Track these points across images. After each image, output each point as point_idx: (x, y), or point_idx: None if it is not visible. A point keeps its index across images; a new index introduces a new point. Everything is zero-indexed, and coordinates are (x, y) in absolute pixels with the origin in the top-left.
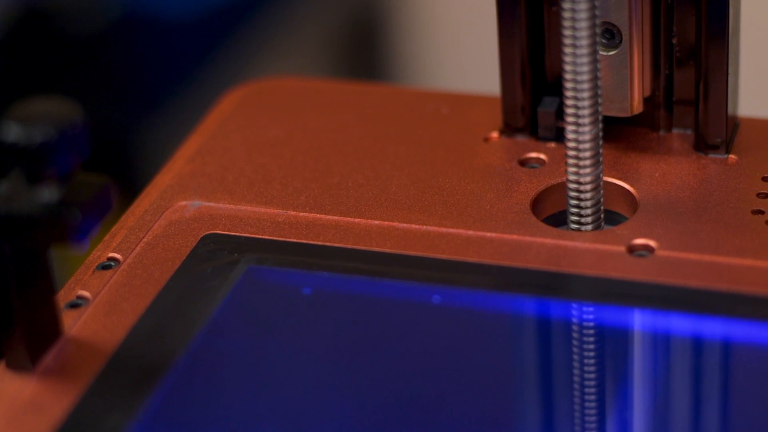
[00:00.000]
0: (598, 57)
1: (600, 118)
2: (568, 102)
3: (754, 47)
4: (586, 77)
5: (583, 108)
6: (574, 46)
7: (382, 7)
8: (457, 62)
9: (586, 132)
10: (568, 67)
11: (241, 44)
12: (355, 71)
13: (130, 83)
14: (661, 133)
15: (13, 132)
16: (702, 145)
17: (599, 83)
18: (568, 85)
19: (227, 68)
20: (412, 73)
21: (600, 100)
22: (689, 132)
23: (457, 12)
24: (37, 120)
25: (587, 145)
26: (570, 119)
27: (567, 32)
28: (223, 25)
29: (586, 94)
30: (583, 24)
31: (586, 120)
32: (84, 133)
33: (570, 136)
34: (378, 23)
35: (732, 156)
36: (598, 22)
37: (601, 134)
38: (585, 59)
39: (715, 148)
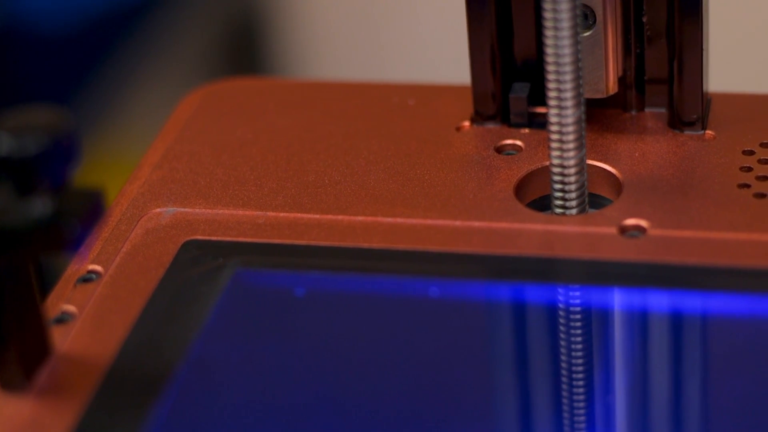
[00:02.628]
0: (579, 38)
1: (582, 100)
2: (551, 85)
3: (720, 21)
4: (568, 59)
5: (566, 90)
6: (556, 28)
7: (260, 11)
8: (337, 59)
9: (570, 115)
10: (549, 50)
11: (122, 57)
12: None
13: (5, 100)
14: (633, 113)
15: (5, 144)
16: (677, 122)
17: (581, 65)
18: (550, 68)
19: (110, 81)
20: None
21: (582, 82)
22: (661, 111)
23: (333, 10)
24: (29, 130)
25: (570, 128)
26: (552, 102)
27: (548, 15)
28: (103, 37)
29: (568, 77)
30: (564, 6)
31: (569, 103)
32: (76, 142)
33: (553, 119)
34: (257, 26)
35: (709, 132)
36: (578, 3)
37: (584, 116)
38: (567, 41)
39: (690, 124)
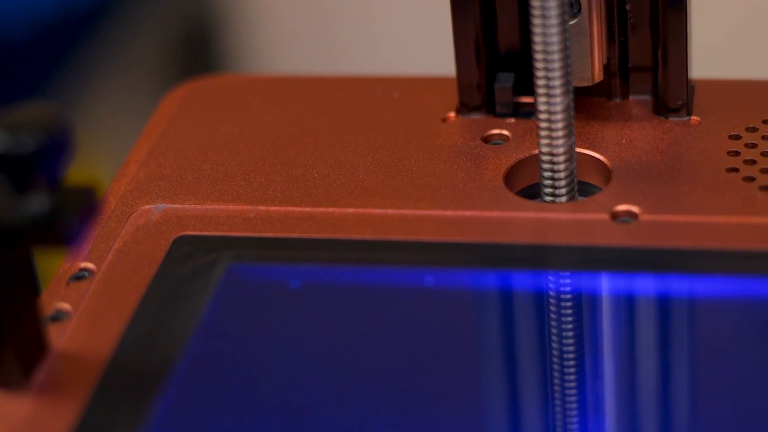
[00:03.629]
0: (567, 26)
1: (571, 88)
2: (539, 73)
3: (699, 8)
4: (556, 47)
5: (554, 78)
6: (544, 16)
7: (216, 12)
8: (295, 58)
9: (558, 103)
10: (537, 38)
11: (77, 62)
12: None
13: None
14: (617, 100)
15: (2, 140)
16: (662, 109)
17: (569, 53)
18: (539, 56)
19: (65, 87)
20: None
21: (570, 70)
22: (645, 98)
23: (289, 9)
24: (25, 127)
25: (559, 116)
26: (541, 90)
27: (536, 2)
28: (57, 43)
29: (557, 65)
30: None
31: (558, 90)
32: (72, 138)
33: (542, 107)
34: (213, 27)
35: (694, 117)
36: None
37: (572, 104)
38: (555, 29)
39: (676, 111)
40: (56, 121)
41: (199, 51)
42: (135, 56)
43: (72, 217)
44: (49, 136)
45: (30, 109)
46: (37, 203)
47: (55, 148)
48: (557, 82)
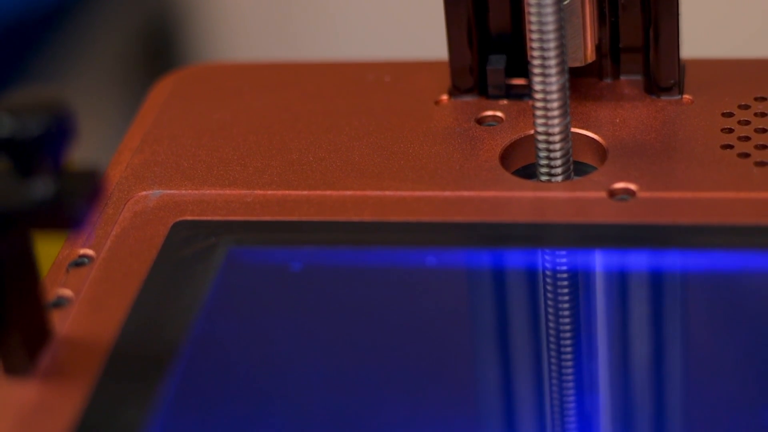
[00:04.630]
0: (562, 6)
1: (566, 67)
2: (534, 53)
3: None
4: (551, 26)
5: (550, 58)
6: None
7: (176, 9)
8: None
9: (554, 82)
10: (533, 18)
11: (37, 63)
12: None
13: None
14: (609, 81)
15: (7, 125)
16: (655, 88)
17: (564, 32)
18: (534, 35)
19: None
20: None
21: (565, 49)
22: (636, 78)
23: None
24: (29, 111)
25: (555, 96)
26: (537, 70)
27: None
28: (17, 44)
29: (552, 44)
30: None
31: (553, 70)
32: (75, 122)
33: (537, 87)
34: (174, 25)
35: (686, 96)
36: None
37: (567, 84)
38: (550, 9)
39: (668, 90)
40: (60, 105)
41: (161, 48)
42: (97, 56)
43: (77, 200)
44: (53, 120)
45: (33, 93)
46: (41, 187)
47: (59, 132)
48: (552, 62)
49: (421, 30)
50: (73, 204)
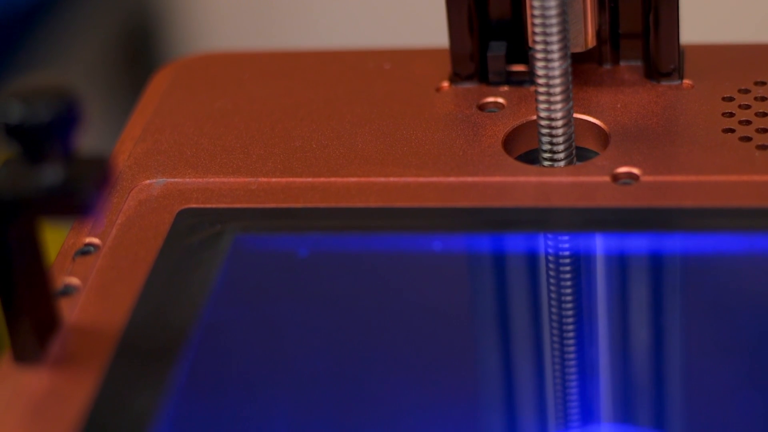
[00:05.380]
0: None
1: (568, 52)
2: (537, 38)
3: None
4: (554, 11)
5: (553, 43)
6: None
7: (155, 7)
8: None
9: (556, 67)
10: (536, 3)
11: (16, 62)
12: (140, 75)
13: None
14: (608, 66)
15: (17, 111)
16: (655, 73)
17: (567, 17)
18: (537, 20)
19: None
20: None
21: (568, 35)
22: (635, 63)
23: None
24: (39, 98)
25: (557, 81)
26: (539, 55)
27: None
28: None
29: (555, 29)
30: None
31: (556, 55)
32: (84, 109)
33: (540, 72)
34: (153, 23)
35: (686, 81)
36: None
37: (570, 69)
38: None
39: (668, 75)
40: (69, 92)
41: (142, 45)
42: (76, 54)
43: (86, 186)
44: (62, 106)
45: (43, 81)
46: (51, 174)
47: (68, 118)
48: (555, 47)
49: (416, 18)
50: (83, 190)
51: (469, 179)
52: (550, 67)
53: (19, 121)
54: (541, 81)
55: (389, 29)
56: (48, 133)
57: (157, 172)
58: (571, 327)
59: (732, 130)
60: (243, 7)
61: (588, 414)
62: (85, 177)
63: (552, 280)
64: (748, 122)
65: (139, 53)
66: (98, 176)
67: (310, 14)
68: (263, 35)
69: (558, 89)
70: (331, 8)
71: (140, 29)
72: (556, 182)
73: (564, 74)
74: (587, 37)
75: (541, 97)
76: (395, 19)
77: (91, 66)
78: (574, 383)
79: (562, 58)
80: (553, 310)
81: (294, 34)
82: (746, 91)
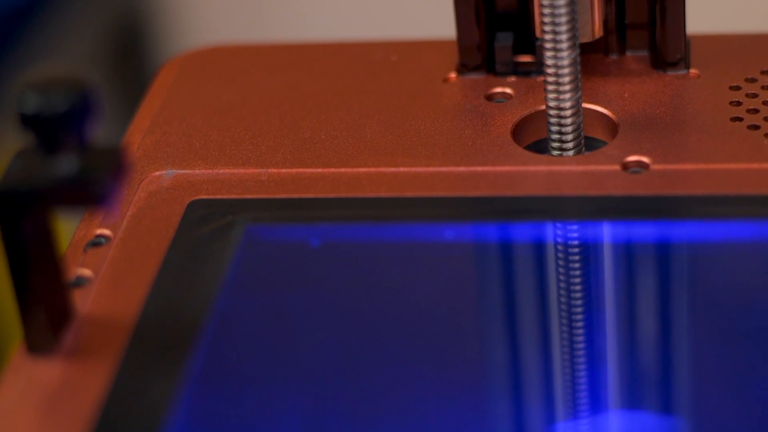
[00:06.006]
0: None
1: (577, 42)
2: (546, 28)
3: None
4: (563, 1)
5: (561, 33)
6: None
7: (145, 6)
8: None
9: (565, 57)
10: None
11: (5, 62)
12: (130, 73)
13: None
14: (614, 56)
15: (33, 102)
16: (661, 63)
17: (576, 7)
18: (546, 10)
19: None
20: None
21: (576, 24)
22: (641, 53)
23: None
24: (55, 88)
25: (566, 70)
26: (548, 45)
27: None
28: None
29: (563, 18)
30: None
31: (565, 45)
32: (101, 99)
33: (549, 62)
34: (143, 22)
35: (693, 70)
36: None
37: (578, 58)
38: None
39: (674, 64)
40: (85, 83)
41: (131, 44)
42: (65, 53)
43: (102, 176)
44: (78, 97)
45: (58, 71)
46: (66, 164)
47: (84, 109)
48: (564, 36)
49: (418, 10)
50: (98, 180)
51: (479, 169)
52: (559, 56)
53: (35, 112)
54: (550, 71)
55: (393, 22)
56: (63, 124)
57: (166, 164)
58: (582, 315)
59: (740, 119)
60: (234, 4)
61: (602, 403)
62: (101, 167)
63: (564, 269)
64: (755, 111)
65: (130, 51)
66: (113, 166)
67: (306, 10)
68: (257, 32)
69: (567, 79)
70: (322, 4)
71: (130, 27)
72: (566, 171)
73: (573, 64)
74: (594, 27)
75: (550, 87)
76: (400, 12)
77: (81, 64)
78: (584, 371)
79: (571, 47)
80: (564, 298)
81: (288, 29)
82: (753, 81)
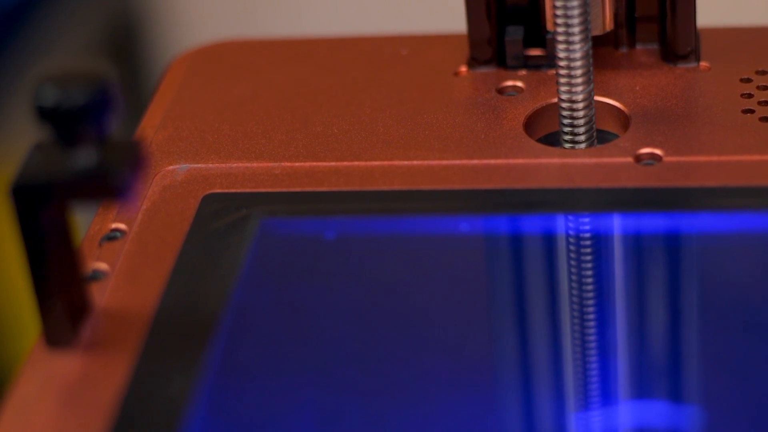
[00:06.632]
0: None
1: (589, 35)
2: (558, 20)
3: None
4: None
5: (574, 25)
6: None
7: (138, 7)
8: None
9: (577, 49)
10: None
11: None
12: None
13: None
14: (624, 50)
15: (52, 94)
16: (672, 56)
17: (588, 0)
18: (558, 3)
19: None
20: None
21: (589, 17)
22: (651, 46)
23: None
24: (74, 81)
25: (578, 63)
26: (561, 38)
27: None
28: None
29: (576, 11)
30: None
31: (577, 37)
32: (120, 92)
33: (561, 54)
34: (137, 23)
35: (703, 63)
36: None
37: (591, 51)
38: None
39: (685, 57)
40: (104, 76)
41: (125, 45)
42: (60, 52)
43: (120, 169)
44: (97, 90)
45: (77, 64)
46: (84, 157)
47: (103, 102)
48: (576, 29)
49: (425, 4)
50: (117, 173)
51: (492, 161)
52: (571, 49)
53: (54, 105)
54: (562, 63)
55: (403, 16)
56: (82, 117)
57: (179, 159)
58: (596, 307)
59: (752, 111)
60: (229, 5)
61: (616, 394)
62: (119, 160)
63: (577, 261)
64: (767, 103)
65: (125, 51)
66: (132, 159)
67: (306, 10)
68: (256, 32)
69: (579, 71)
70: (325, 2)
71: (125, 27)
72: (579, 163)
73: (585, 56)
74: (605, 20)
75: (562, 80)
76: (410, 7)
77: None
78: (597, 363)
79: (583, 40)
80: (578, 290)
81: (288, 29)
82: (763, 73)
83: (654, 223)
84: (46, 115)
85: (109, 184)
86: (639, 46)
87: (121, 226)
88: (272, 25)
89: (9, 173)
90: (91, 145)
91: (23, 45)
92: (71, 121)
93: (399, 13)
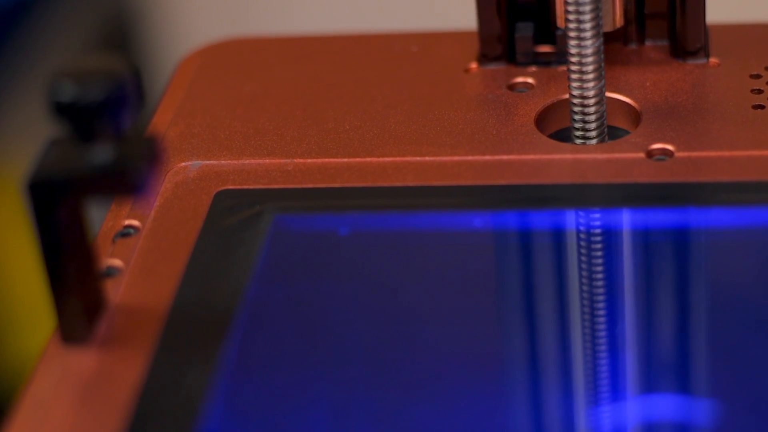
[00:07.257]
0: None
1: (601, 31)
2: (570, 17)
3: None
4: None
5: (585, 21)
6: None
7: (133, 9)
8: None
9: (589, 45)
10: None
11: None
12: None
13: None
14: (633, 46)
15: (70, 90)
16: (681, 52)
17: None
18: None
19: None
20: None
21: (600, 13)
22: (660, 43)
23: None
24: (92, 77)
25: (590, 59)
26: (572, 34)
27: None
28: None
29: (588, 7)
30: None
31: (588, 33)
32: (138, 88)
33: (573, 50)
34: (131, 24)
35: (713, 59)
36: None
37: (602, 47)
38: None
39: (694, 53)
40: (122, 71)
41: (121, 45)
42: (54, 55)
43: (137, 165)
44: (115, 86)
45: (96, 60)
46: (101, 153)
47: (120, 98)
48: (588, 25)
49: (435, 1)
50: (134, 169)
51: (505, 157)
52: (582, 45)
53: (71, 100)
54: (573, 59)
55: (413, 13)
56: (99, 113)
57: (192, 155)
58: (608, 302)
59: (762, 106)
60: (224, 6)
61: (627, 389)
62: (136, 156)
63: (589, 256)
64: None
65: (120, 50)
66: (149, 155)
67: (307, 9)
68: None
69: (590, 67)
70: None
71: (121, 28)
72: (591, 159)
73: (596, 52)
74: (615, 16)
75: (574, 76)
76: (420, 3)
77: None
78: (608, 358)
79: (595, 36)
80: (590, 286)
81: (284, 26)
82: None
83: (666, 218)
84: (63, 110)
85: (127, 179)
86: (648, 43)
87: (135, 222)
88: (271, 24)
89: (5, 171)
90: (108, 140)
91: (20, 44)
92: (88, 117)
93: (410, 11)
